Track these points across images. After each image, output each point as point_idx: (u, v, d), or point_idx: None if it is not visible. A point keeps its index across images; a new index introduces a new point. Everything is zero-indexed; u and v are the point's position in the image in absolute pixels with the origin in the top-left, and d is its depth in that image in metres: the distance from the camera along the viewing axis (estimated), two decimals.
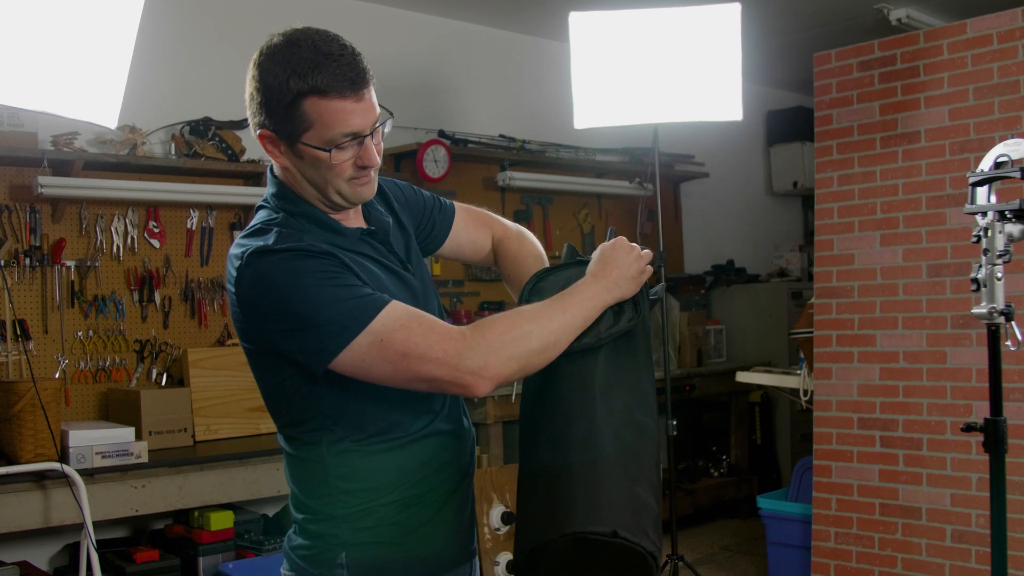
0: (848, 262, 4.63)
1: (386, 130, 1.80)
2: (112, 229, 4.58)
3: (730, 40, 4.14)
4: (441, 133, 5.66)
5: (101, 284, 4.55)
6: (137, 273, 4.64)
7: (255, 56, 1.75)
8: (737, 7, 4.13)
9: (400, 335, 1.64)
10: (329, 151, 1.71)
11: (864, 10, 5.83)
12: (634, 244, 1.88)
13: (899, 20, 5.78)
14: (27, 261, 4.34)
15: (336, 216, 1.83)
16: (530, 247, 2.14)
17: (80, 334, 4.48)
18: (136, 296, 4.63)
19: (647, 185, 6.18)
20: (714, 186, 7.18)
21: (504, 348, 1.66)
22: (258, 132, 1.76)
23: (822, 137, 4.75)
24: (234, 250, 1.75)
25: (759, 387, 5.81)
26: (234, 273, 1.72)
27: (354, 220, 1.87)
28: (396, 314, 1.66)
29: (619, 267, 1.82)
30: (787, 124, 7.52)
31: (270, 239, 1.72)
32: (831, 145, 4.71)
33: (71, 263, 4.46)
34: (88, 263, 4.49)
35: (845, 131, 4.67)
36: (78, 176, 4.37)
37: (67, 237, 4.45)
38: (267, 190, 1.85)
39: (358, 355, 1.65)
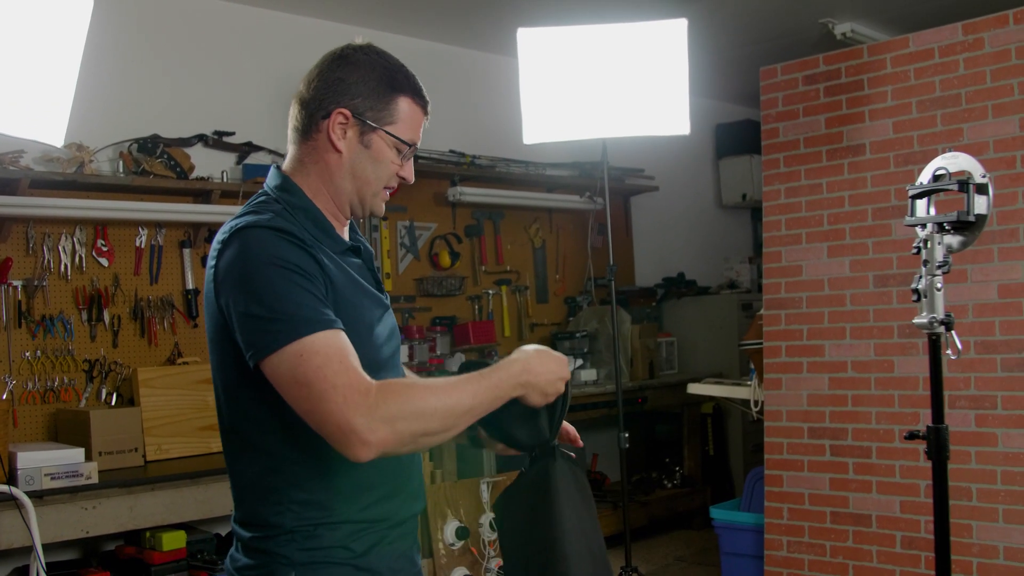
0: (796, 273, 4.70)
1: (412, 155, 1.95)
2: (60, 248, 4.53)
3: (677, 55, 4.19)
4: None
5: (49, 303, 4.50)
6: (86, 292, 4.59)
7: (339, 49, 1.90)
8: (683, 23, 4.19)
9: (317, 360, 1.61)
10: (408, 146, 1.87)
11: (810, 24, 5.92)
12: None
13: (843, 35, 5.88)
14: None
15: (333, 224, 1.87)
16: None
17: (28, 354, 4.42)
18: (85, 315, 4.58)
19: (597, 199, 6.23)
20: (664, 199, 7.24)
21: (401, 421, 1.61)
22: (335, 109, 1.82)
23: (769, 150, 4.81)
24: (223, 227, 1.77)
25: (711, 398, 5.86)
26: (217, 247, 1.74)
27: (345, 236, 1.92)
28: (328, 341, 1.64)
29: (541, 361, 1.79)
30: (736, 137, 7.60)
31: (263, 217, 1.73)
32: (778, 158, 4.78)
33: (18, 283, 4.41)
34: (35, 282, 4.44)
35: (791, 144, 4.73)
36: (24, 195, 4.32)
37: (13, 256, 4.40)
38: (269, 181, 1.88)
39: (280, 361, 1.63)
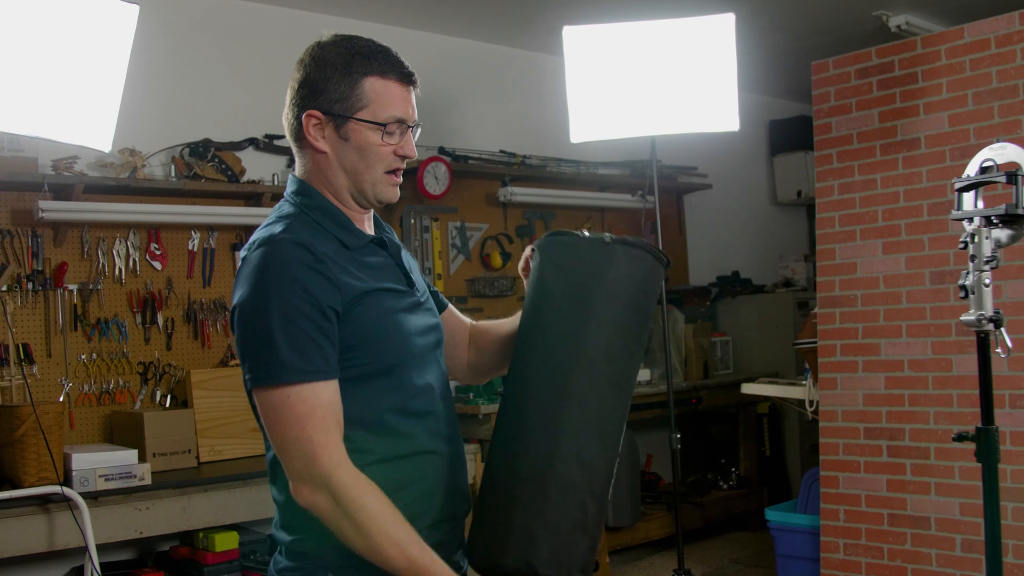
0: (851, 271, 4.61)
1: (416, 134, 1.90)
2: (114, 252, 4.59)
3: (725, 51, 4.13)
4: (441, 150, 5.66)
5: (104, 307, 4.56)
6: (139, 295, 4.65)
7: (306, 51, 1.87)
8: (731, 18, 4.13)
9: (302, 408, 1.68)
10: (383, 127, 1.81)
11: (863, 18, 5.82)
12: None
13: (898, 27, 5.76)
14: (30, 285, 4.35)
15: (352, 219, 1.87)
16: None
17: (83, 357, 4.49)
18: (139, 318, 4.64)
19: (649, 198, 6.16)
20: (718, 197, 7.16)
21: (339, 510, 1.67)
22: (304, 114, 1.83)
23: (822, 146, 4.73)
24: (250, 239, 1.81)
25: (767, 398, 5.78)
26: (242, 257, 1.78)
27: (368, 230, 1.91)
28: (317, 393, 1.69)
29: None
30: (790, 134, 7.49)
31: (277, 228, 1.77)
32: (831, 153, 4.70)
33: (73, 287, 4.48)
34: (90, 286, 4.50)
35: (844, 139, 4.65)
36: (79, 200, 4.38)
37: (69, 261, 4.47)
38: (287, 189, 1.90)
39: (269, 396, 1.70)
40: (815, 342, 4.70)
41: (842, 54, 4.71)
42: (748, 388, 5.25)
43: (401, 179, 1.89)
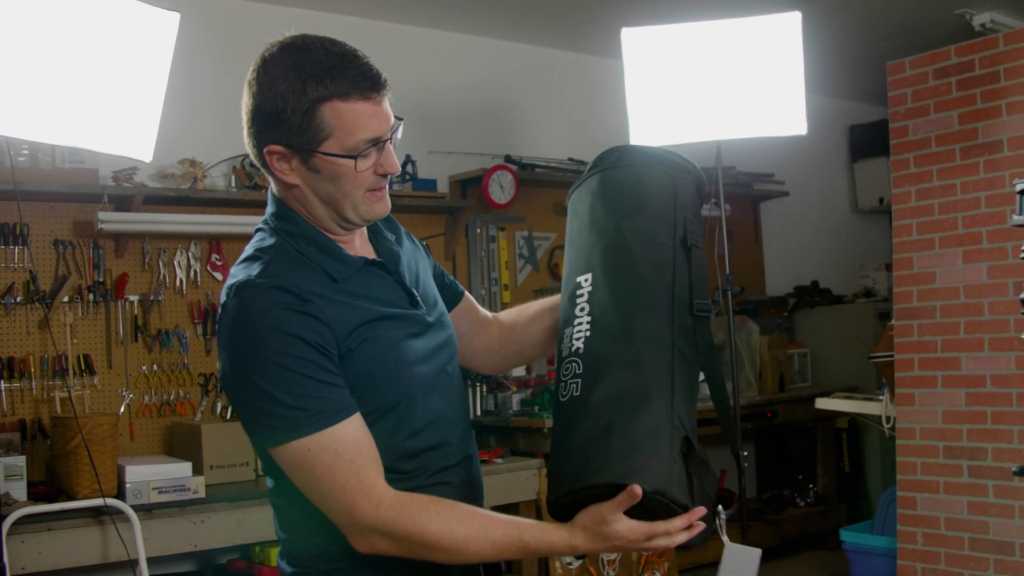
0: (929, 280, 4.39)
1: (398, 136, 1.69)
2: (175, 263, 4.59)
3: (792, 51, 3.95)
4: (507, 158, 5.57)
5: (165, 318, 4.56)
6: (200, 306, 4.64)
7: (253, 68, 1.66)
8: (797, 16, 3.95)
9: (326, 458, 1.55)
10: (354, 158, 1.60)
11: (946, 16, 5.58)
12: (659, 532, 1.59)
13: (982, 25, 5.51)
14: (91, 296, 4.37)
15: (341, 242, 1.71)
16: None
17: (144, 368, 4.49)
18: (200, 329, 4.63)
19: (724, 206, 5.99)
20: (796, 205, 6.95)
21: (405, 542, 1.56)
22: (264, 149, 1.65)
23: (898, 150, 4.53)
24: (228, 281, 1.66)
25: (844, 413, 5.56)
26: (221, 304, 1.64)
27: (360, 249, 1.75)
28: (337, 436, 1.55)
29: (618, 543, 1.57)
30: (871, 138, 7.24)
31: (254, 270, 1.62)
32: (908, 158, 4.49)
33: (134, 297, 4.49)
34: (151, 297, 4.50)
35: (922, 143, 4.44)
36: (138, 211, 4.39)
37: (130, 272, 4.48)
38: (267, 210, 1.74)
39: (287, 452, 1.57)
40: (892, 356, 4.49)
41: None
42: (822, 403, 5.05)
43: (386, 191, 1.70)
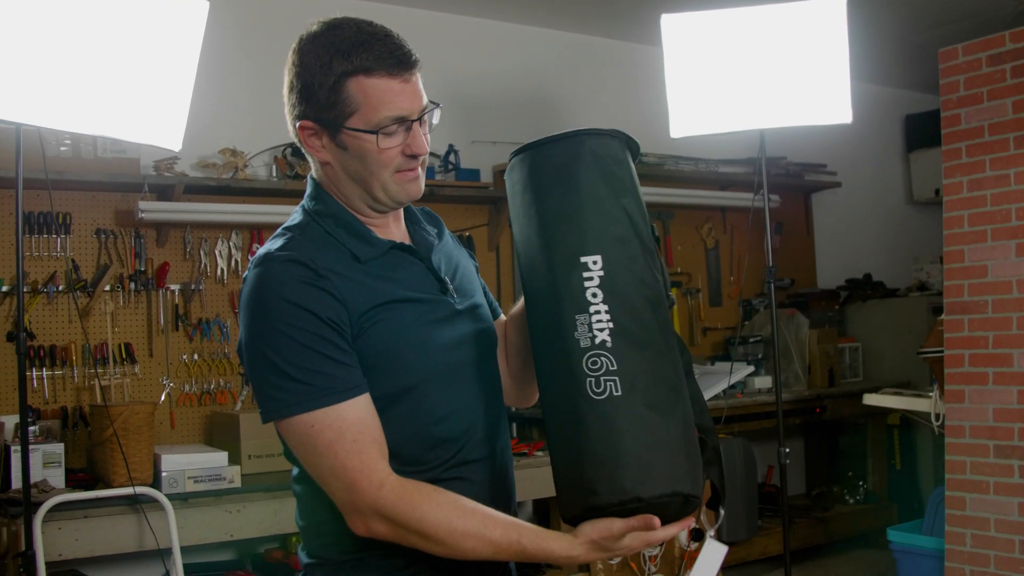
0: (981, 274, 4.26)
1: (434, 121, 1.70)
2: (216, 252, 4.60)
3: (836, 37, 3.83)
4: None
5: (205, 307, 4.58)
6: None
7: (293, 46, 1.68)
8: (842, 1, 3.84)
9: (329, 435, 1.54)
10: (375, 134, 1.61)
11: (1001, 2, 5.43)
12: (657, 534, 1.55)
13: None
14: (132, 285, 4.40)
15: (372, 225, 1.71)
16: None
17: (185, 357, 4.51)
18: None
19: (774, 196, 5.88)
20: (848, 196, 6.80)
21: (402, 528, 1.53)
22: (298, 124, 1.68)
23: (950, 139, 4.41)
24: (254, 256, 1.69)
25: (892, 410, 5.43)
26: (243, 278, 1.67)
27: (395, 234, 1.75)
28: (341, 414, 1.55)
29: (619, 553, 1.56)
30: (928, 128, 7.01)
31: (276, 244, 1.65)
32: (960, 147, 4.36)
33: (175, 287, 4.51)
34: (192, 286, 4.52)
35: (975, 131, 4.31)
36: (179, 200, 4.40)
37: (171, 261, 4.50)
38: (306, 192, 1.77)
39: (290, 426, 1.57)
40: (941, 351, 4.36)
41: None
42: (870, 399, 4.92)
43: (418, 172, 1.69)
